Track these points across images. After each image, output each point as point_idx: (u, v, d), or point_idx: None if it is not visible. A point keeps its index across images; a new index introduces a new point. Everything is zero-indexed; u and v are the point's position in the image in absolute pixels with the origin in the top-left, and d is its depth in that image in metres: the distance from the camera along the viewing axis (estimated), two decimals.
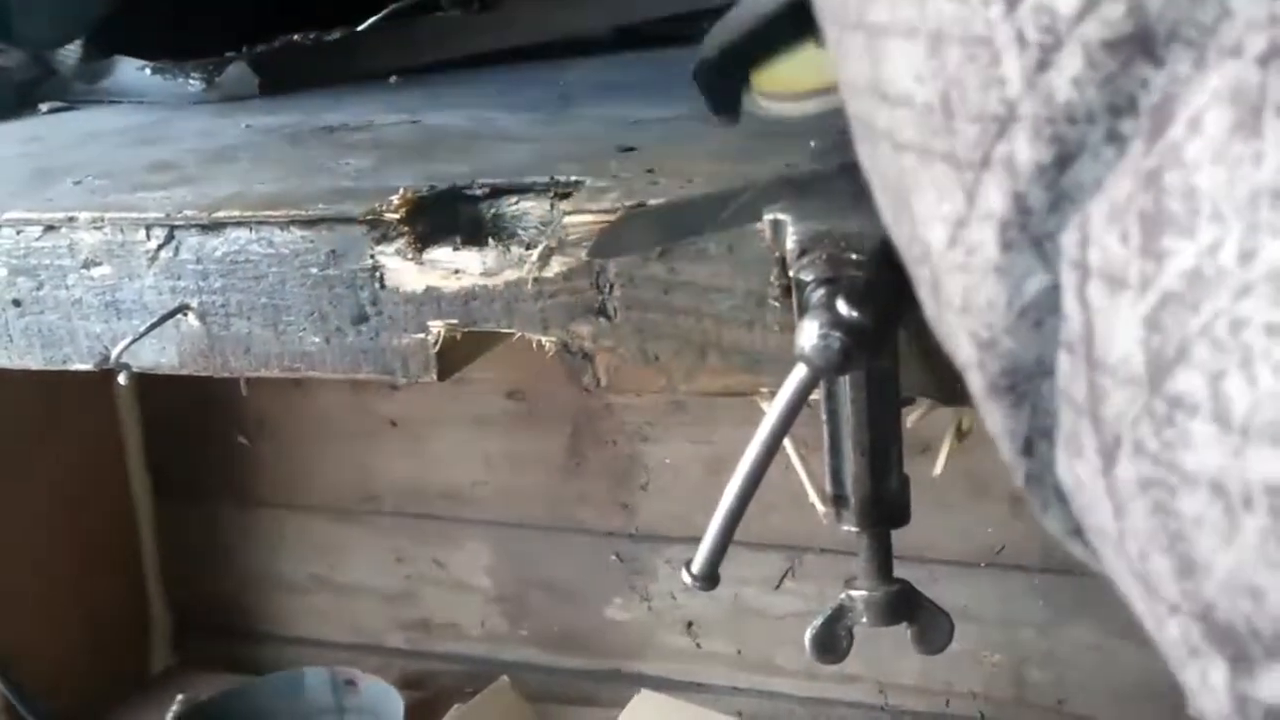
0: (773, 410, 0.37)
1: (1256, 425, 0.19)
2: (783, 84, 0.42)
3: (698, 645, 1.16)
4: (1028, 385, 0.24)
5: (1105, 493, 0.23)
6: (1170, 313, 0.20)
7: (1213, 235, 0.20)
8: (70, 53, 0.80)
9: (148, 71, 0.78)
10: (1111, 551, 0.23)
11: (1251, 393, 0.19)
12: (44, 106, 0.79)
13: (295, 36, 0.80)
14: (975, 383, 0.26)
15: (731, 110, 0.45)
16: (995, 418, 0.25)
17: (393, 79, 0.79)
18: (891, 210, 0.28)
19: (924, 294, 0.27)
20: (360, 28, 0.80)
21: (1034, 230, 0.23)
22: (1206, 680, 0.21)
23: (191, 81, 0.77)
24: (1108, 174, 0.22)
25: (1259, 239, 0.19)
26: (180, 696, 1.18)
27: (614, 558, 1.17)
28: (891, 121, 0.26)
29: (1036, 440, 0.25)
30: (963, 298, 0.25)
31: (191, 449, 1.29)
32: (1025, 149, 0.22)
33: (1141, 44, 0.21)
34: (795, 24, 0.40)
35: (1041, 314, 0.23)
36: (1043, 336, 0.23)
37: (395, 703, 1.14)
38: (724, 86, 0.45)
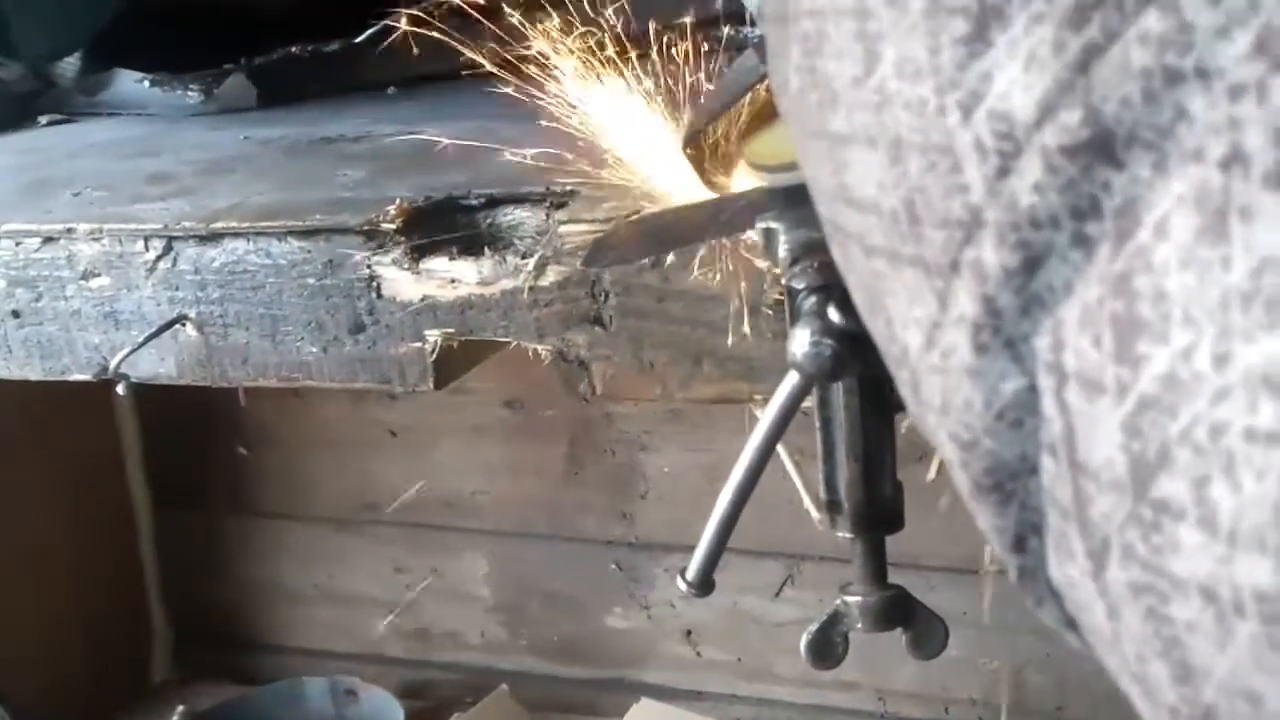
0: (766, 417, 0.37)
1: (1243, 531, 0.19)
2: (763, 156, 0.43)
3: (697, 653, 1.17)
4: (1013, 484, 0.24)
5: (1098, 595, 0.23)
6: (1149, 418, 0.20)
7: (1186, 340, 0.20)
8: (69, 65, 0.80)
9: (146, 84, 0.78)
10: (1108, 651, 0.23)
11: (1236, 499, 0.19)
12: (43, 119, 0.79)
13: (293, 49, 0.80)
14: (960, 481, 0.26)
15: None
16: (983, 516, 0.25)
17: (391, 90, 0.80)
18: (867, 310, 0.28)
19: (905, 394, 0.27)
20: (358, 39, 0.81)
21: (1007, 333, 0.23)
22: None
23: (190, 93, 0.77)
24: (1077, 277, 0.22)
25: (1232, 343, 0.19)
26: (180, 707, 1.18)
27: (613, 566, 1.17)
28: (860, 226, 0.26)
29: (1027, 536, 0.25)
30: (941, 399, 0.25)
31: (191, 459, 1.29)
32: (992, 254, 0.23)
33: (1101, 148, 0.21)
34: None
35: (1020, 414, 0.23)
36: (1024, 436, 0.23)
37: (395, 712, 1.14)
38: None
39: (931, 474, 0.59)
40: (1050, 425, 0.23)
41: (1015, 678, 1.06)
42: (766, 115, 0.43)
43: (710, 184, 0.44)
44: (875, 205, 0.25)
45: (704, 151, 0.44)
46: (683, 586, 0.40)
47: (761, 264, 0.42)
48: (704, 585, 0.40)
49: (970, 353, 0.24)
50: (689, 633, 1.16)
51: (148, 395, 1.15)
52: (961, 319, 0.24)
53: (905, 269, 0.25)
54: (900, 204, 0.24)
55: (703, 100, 0.46)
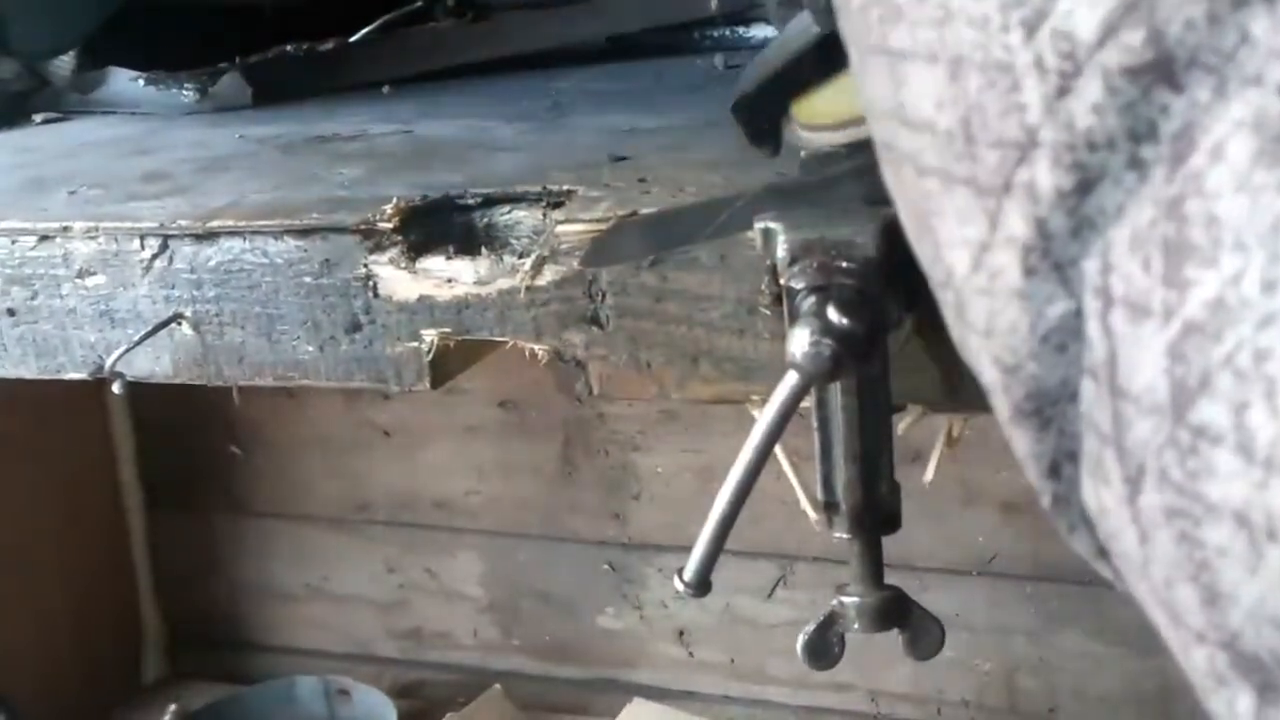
0: (764, 417, 0.37)
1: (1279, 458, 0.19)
2: (820, 114, 0.43)
3: (690, 654, 1.17)
4: (1052, 409, 0.24)
5: (1130, 520, 0.23)
6: (1193, 342, 0.20)
7: (1235, 265, 0.20)
8: (64, 63, 0.80)
9: (141, 82, 0.78)
10: (1137, 577, 0.23)
11: (1275, 425, 0.19)
12: (37, 117, 0.79)
13: (288, 47, 0.80)
14: (1000, 406, 0.26)
15: (770, 142, 0.46)
16: (1020, 441, 0.26)
17: (386, 89, 0.80)
18: (915, 232, 0.28)
19: (949, 317, 0.27)
20: (353, 38, 0.81)
21: (1056, 256, 0.23)
22: (1233, 708, 0.21)
23: (185, 92, 0.77)
24: (1130, 201, 0.22)
25: None
26: (172, 707, 1.18)
27: (606, 567, 1.17)
28: (914, 146, 0.26)
29: (1062, 463, 0.25)
30: (986, 322, 0.25)
31: (184, 459, 1.28)
32: (1046, 175, 0.23)
33: (1161, 70, 0.21)
34: (827, 59, 0.41)
35: (1065, 339, 0.23)
36: (1067, 361, 0.24)
37: (388, 712, 1.14)
38: (762, 119, 0.46)
39: (929, 476, 0.59)
40: (1093, 349, 0.23)
41: (1008, 680, 1.06)
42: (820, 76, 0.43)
43: (762, 145, 0.43)
44: (931, 123, 0.25)
45: (756, 113, 0.44)
46: (680, 587, 0.40)
47: (760, 264, 0.41)
48: (701, 585, 0.40)
49: (1019, 274, 0.24)
50: (681, 633, 1.16)
51: (140, 395, 1.15)
52: (1011, 240, 0.24)
53: (957, 189, 0.25)
54: (956, 122, 0.24)
55: (754, 62, 0.46)
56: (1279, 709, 0.20)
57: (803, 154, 0.45)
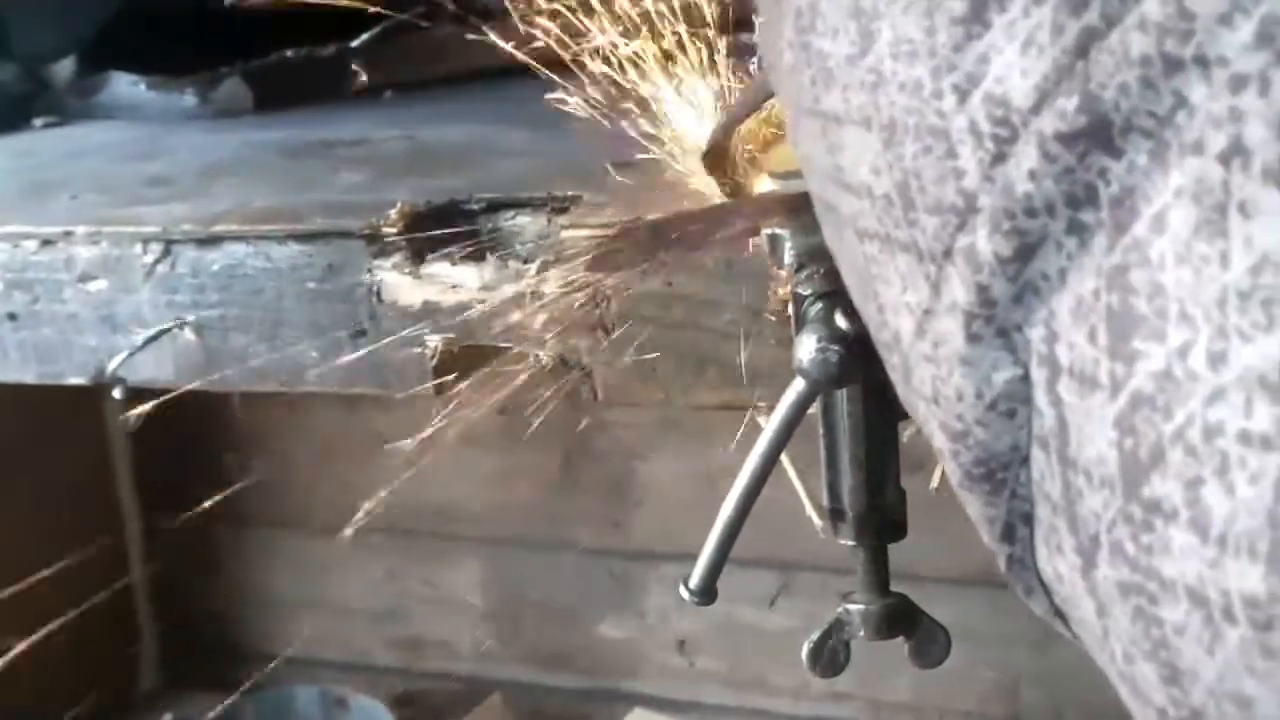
0: (771, 424, 0.37)
1: (1234, 536, 0.19)
2: (789, 162, 0.43)
3: (690, 663, 1.16)
4: (1005, 473, 0.24)
5: (1086, 592, 0.22)
6: (1143, 416, 0.20)
7: (1182, 337, 0.19)
8: (64, 67, 0.80)
9: (142, 86, 0.78)
10: (1097, 647, 0.23)
11: (1229, 502, 0.19)
12: (38, 121, 0.79)
13: (289, 52, 0.80)
14: (950, 471, 0.25)
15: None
16: (973, 505, 0.25)
17: (387, 95, 0.80)
18: (859, 295, 0.28)
19: (896, 380, 0.27)
20: (354, 43, 0.81)
21: (1000, 322, 0.23)
22: None
23: (185, 96, 0.77)
24: (1071, 267, 0.21)
25: (1229, 342, 0.19)
26: (168, 716, 1.17)
27: (606, 575, 1.17)
28: (853, 210, 0.26)
29: (1016, 525, 0.24)
30: (932, 388, 0.24)
31: (181, 467, 1.28)
32: (986, 241, 0.22)
33: (1098, 136, 0.21)
34: None
35: (1013, 404, 0.23)
36: (1016, 426, 0.23)
37: None
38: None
39: (934, 483, 0.59)
40: (1042, 418, 0.22)
41: (1011, 690, 1.06)
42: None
43: (731, 193, 0.44)
44: (868, 189, 0.25)
45: (726, 160, 0.44)
46: (685, 595, 0.40)
47: (765, 270, 0.41)
48: (707, 594, 0.40)
49: (963, 341, 0.23)
50: (682, 643, 1.16)
51: (137, 402, 1.15)
52: (954, 306, 0.23)
53: (898, 254, 0.24)
54: (894, 188, 0.24)
55: (724, 110, 0.46)
56: None
57: None
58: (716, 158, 0.44)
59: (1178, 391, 0.19)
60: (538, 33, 0.50)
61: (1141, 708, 0.22)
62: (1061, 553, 0.23)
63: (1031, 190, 0.21)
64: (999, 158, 0.22)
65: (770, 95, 0.42)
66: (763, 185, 0.44)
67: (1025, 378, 0.23)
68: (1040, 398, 0.22)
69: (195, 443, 1.26)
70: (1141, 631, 0.21)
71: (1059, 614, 0.25)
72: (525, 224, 0.47)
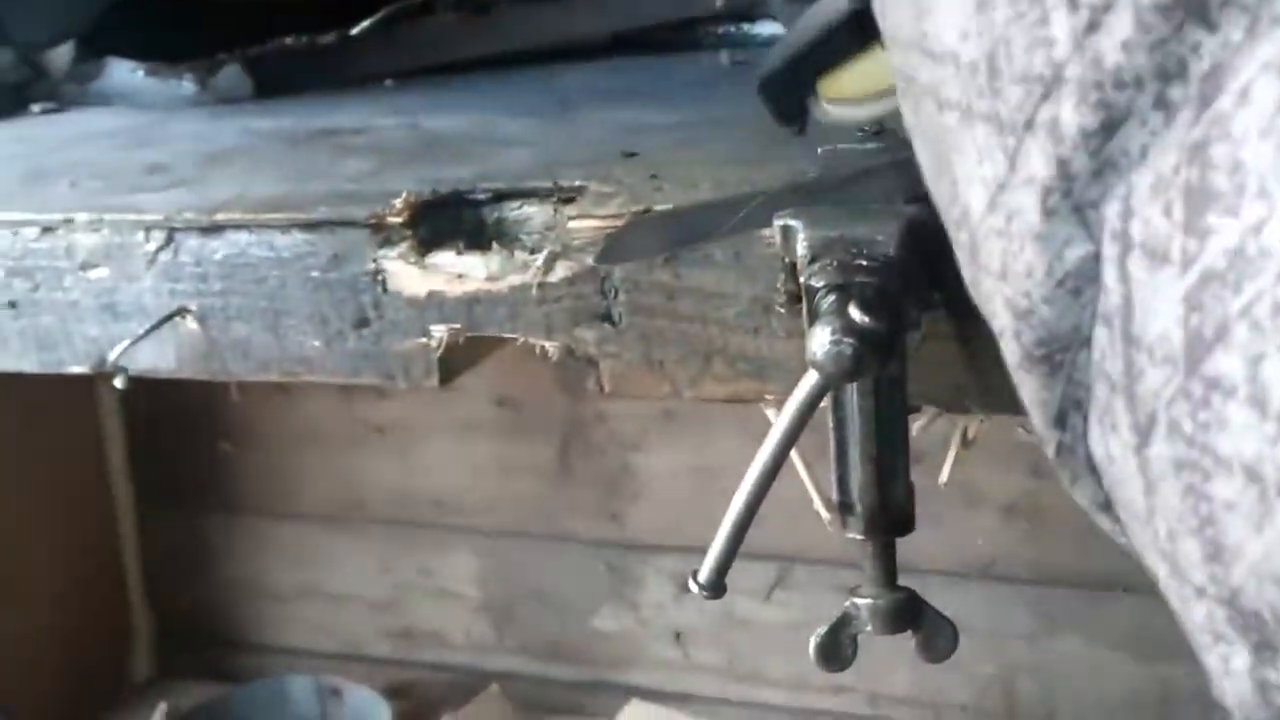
0: (783, 417, 0.37)
1: None
2: (846, 90, 0.43)
3: (686, 655, 1.16)
4: (1063, 355, 0.24)
5: (1137, 470, 0.22)
6: (1211, 291, 0.20)
7: (1258, 213, 0.19)
8: (62, 54, 0.79)
9: (140, 73, 0.77)
10: (1139, 528, 0.23)
11: None
12: (35, 108, 0.78)
13: (289, 39, 0.79)
14: (1010, 351, 0.25)
15: (797, 119, 0.46)
16: (1028, 387, 0.25)
17: (388, 83, 0.79)
18: (932, 169, 0.27)
19: (961, 257, 0.26)
20: (354, 31, 0.80)
21: (1077, 197, 0.22)
22: (1229, 665, 0.21)
23: (185, 83, 0.76)
24: (1154, 143, 0.21)
25: None
26: (162, 706, 1.17)
27: (603, 567, 1.17)
28: (935, 78, 0.25)
29: (1069, 412, 0.24)
30: (1001, 263, 0.24)
31: (175, 456, 1.27)
32: (1071, 113, 0.22)
33: (1195, 7, 0.20)
34: (857, 33, 0.41)
35: (1081, 283, 0.23)
36: (1080, 306, 0.23)
37: (381, 711, 1.13)
38: (790, 97, 0.45)
39: (944, 477, 0.59)
40: (1109, 295, 0.22)
41: (1007, 684, 1.06)
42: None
43: (789, 124, 0.43)
44: (954, 55, 0.24)
45: (783, 91, 0.44)
46: (694, 589, 0.40)
47: (775, 262, 0.41)
48: (716, 587, 0.40)
49: (1037, 215, 0.23)
50: (678, 635, 1.16)
51: (132, 391, 1.14)
52: (1031, 180, 0.23)
53: (977, 124, 0.24)
54: (981, 55, 0.24)
55: (781, 42, 0.45)
56: (1275, 668, 0.20)
57: (820, 150, 0.45)
58: (775, 85, 0.43)
59: (1249, 267, 0.19)
60: None
61: (1179, 586, 0.22)
62: (1116, 431, 0.23)
63: (1122, 61, 0.21)
64: (1092, 26, 0.21)
65: (824, 31, 0.41)
66: (819, 112, 0.43)
67: (1096, 255, 0.22)
68: (1109, 274, 0.22)
69: (189, 432, 1.26)
70: (1190, 508, 0.21)
71: (1103, 504, 0.25)
72: (532, 214, 0.46)
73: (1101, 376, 0.23)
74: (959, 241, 0.26)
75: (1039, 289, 0.23)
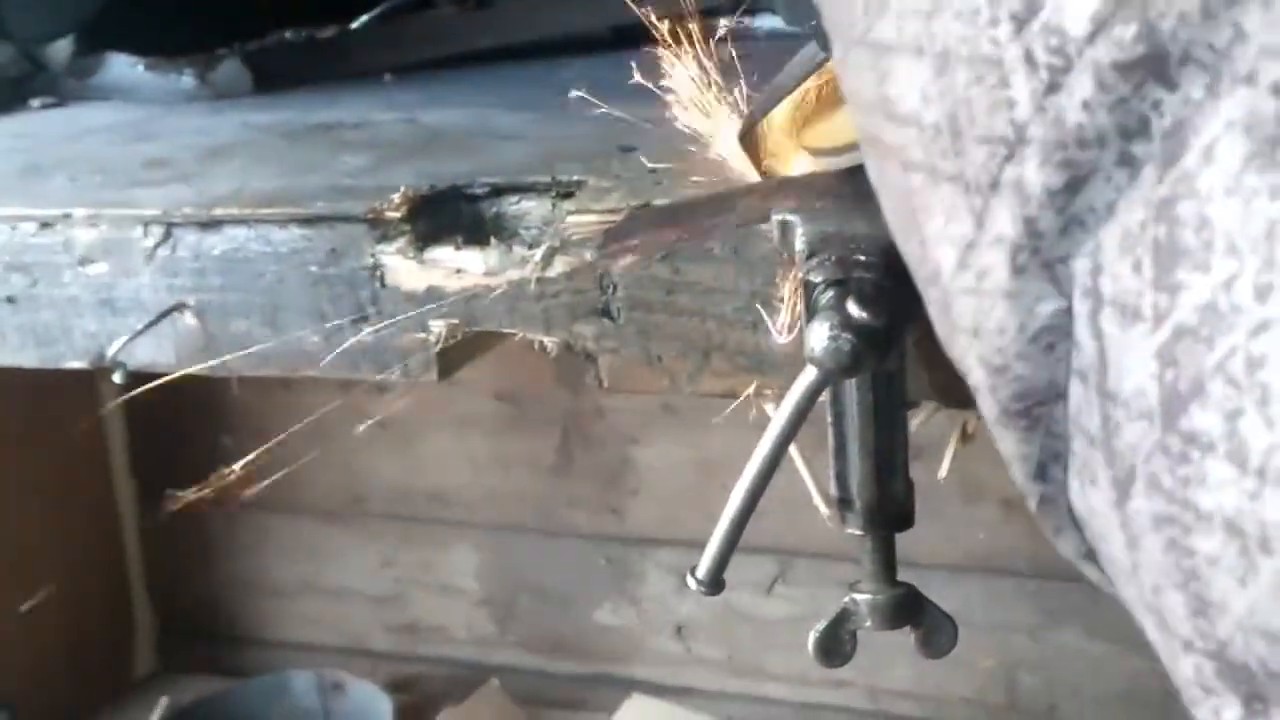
0: (781, 412, 0.37)
1: (1273, 467, 0.19)
2: (827, 139, 0.43)
3: (687, 649, 1.16)
4: (1040, 409, 0.24)
5: (1119, 525, 0.22)
6: (1184, 347, 0.20)
7: (1229, 269, 0.19)
8: (61, 48, 0.79)
9: (140, 68, 0.77)
10: (1125, 581, 0.23)
11: (1269, 434, 0.19)
12: (35, 102, 0.78)
13: (288, 34, 0.79)
14: (987, 407, 0.25)
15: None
16: (1007, 442, 0.25)
17: (387, 77, 0.79)
18: (900, 229, 0.27)
19: (934, 315, 0.26)
20: (354, 25, 0.80)
21: (1045, 254, 0.22)
22: (1220, 718, 0.21)
23: (184, 78, 0.76)
24: (1120, 199, 0.21)
25: (1275, 275, 0.19)
26: (164, 701, 1.17)
27: (603, 561, 1.17)
28: (899, 140, 0.26)
29: (1049, 464, 0.24)
30: (973, 321, 0.24)
31: (176, 450, 1.27)
32: (1035, 173, 0.22)
33: (1154, 66, 0.20)
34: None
35: (1054, 338, 0.23)
36: (1054, 360, 0.23)
37: (382, 706, 1.13)
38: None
39: (943, 472, 0.59)
40: (1082, 351, 0.22)
41: (1008, 677, 1.06)
42: (825, 104, 0.43)
43: (765, 173, 0.43)
44: (917, 118, 0.25)
45: (760, 141, 0.44)
46: (693, 585, 0.40)
47: (773, 257, 0.41)
48: (715, 584, 0.40)
49: (1007, 273, 0.23)
50: (679, 629, 1.16)
51: (132, 386, 1.14)
52: (999, 239, 0.23)
53: (943, 185, 0.24)
54: (943, 118, 0.24)
55: (760, 91, 0.45)
56: None
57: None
58: (752, 138, 0.43)
59: (1221, 323, 0.19)
60: None
61: (1167, 641, 0.22)
62: (1096, 486, 0.23)
63: (1084, 121, 0.21)
64: (1052, 87, 0.21)
65: (801, 81, 0.42)
66: (800, 163, 0.44)
67: (1068, 310, 0.23)
68: (1081, 330, 0.22)
69: (190, 426, 1.26)
70: (1173, 563, 0.21)
71: (1088, 555, 0.25)
72: (530, 209, 0.46)
73: (1079, 431, 0.23)
74: (931, 299, 0.26)
75: (1012, 345, 0.24)
